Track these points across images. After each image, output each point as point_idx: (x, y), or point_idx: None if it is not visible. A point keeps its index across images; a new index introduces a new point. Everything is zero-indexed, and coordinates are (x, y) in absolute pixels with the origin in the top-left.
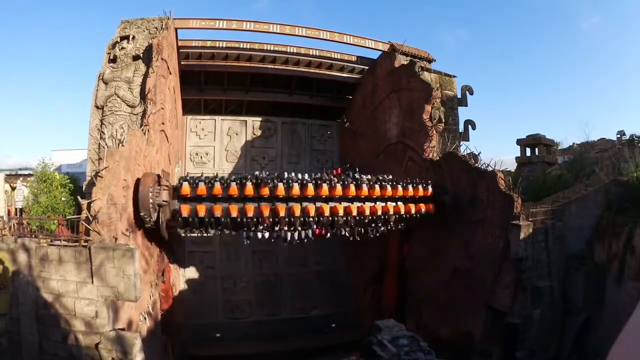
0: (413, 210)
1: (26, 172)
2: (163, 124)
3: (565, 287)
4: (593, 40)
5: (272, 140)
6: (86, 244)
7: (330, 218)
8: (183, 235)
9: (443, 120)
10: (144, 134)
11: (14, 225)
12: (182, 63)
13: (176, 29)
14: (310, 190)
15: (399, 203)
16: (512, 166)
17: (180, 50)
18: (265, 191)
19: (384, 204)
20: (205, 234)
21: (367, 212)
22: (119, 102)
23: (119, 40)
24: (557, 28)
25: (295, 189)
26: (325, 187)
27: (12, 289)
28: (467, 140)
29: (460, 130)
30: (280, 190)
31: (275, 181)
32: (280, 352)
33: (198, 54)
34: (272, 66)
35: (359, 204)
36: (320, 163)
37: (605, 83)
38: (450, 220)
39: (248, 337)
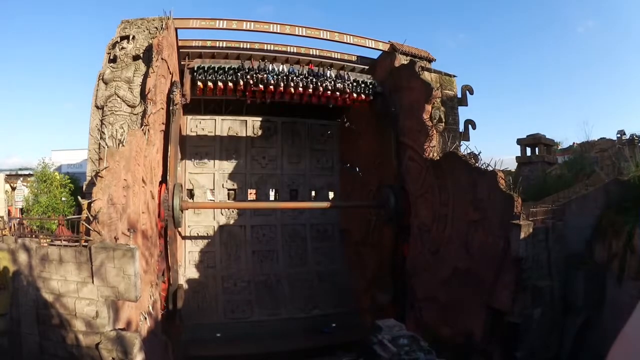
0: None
1: (26, 172)
2: (163, 123)
3: (565, 287)
4: (590, 43)
5: (272, 140)
6: (86, 244)
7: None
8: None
9: (443, 120)
10: (144, 133)
11: (14, 225)
12: (182, 63)
13: (176, 29)
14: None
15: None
16: (512, 166)
17: (180, 50)
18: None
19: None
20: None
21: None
22: (119, 102)
23: (119, 40)
24: (555, 31)
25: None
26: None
27: (13, 289)
28: (467, 140)
29: (461, 130)
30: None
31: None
32: (281, 352)
33: (198, 54)
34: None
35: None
36: (321, 163)
37: (605, 83)
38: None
39: (248, 337)
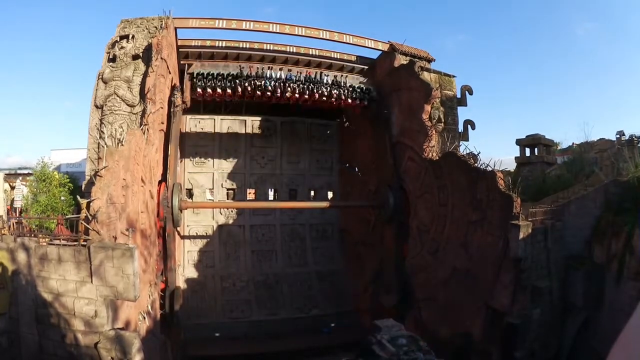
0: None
1: (25, 172)
2: (162, 123)
3: (564, 287)
4: (589, 44)
5: (272, 139)
6: (85, 243)
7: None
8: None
9: (442, 120)
10: (144, 133)
11: (13, 224)
12: (182, 62)
13: (176, 29)
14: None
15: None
16: (511, 166)
17: (180, 50)
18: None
19: None
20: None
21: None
22: (119, 102)
23: (118, 40)
24: (554, 33)
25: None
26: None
27: (12, 288)
28: (467, 140)
29: (460, 130)
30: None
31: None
32: (280, 352)
33: (197, 54)
34: (272, 65)
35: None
36: (320, 162)
37: (605, 84)
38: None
39: (247, 337)
